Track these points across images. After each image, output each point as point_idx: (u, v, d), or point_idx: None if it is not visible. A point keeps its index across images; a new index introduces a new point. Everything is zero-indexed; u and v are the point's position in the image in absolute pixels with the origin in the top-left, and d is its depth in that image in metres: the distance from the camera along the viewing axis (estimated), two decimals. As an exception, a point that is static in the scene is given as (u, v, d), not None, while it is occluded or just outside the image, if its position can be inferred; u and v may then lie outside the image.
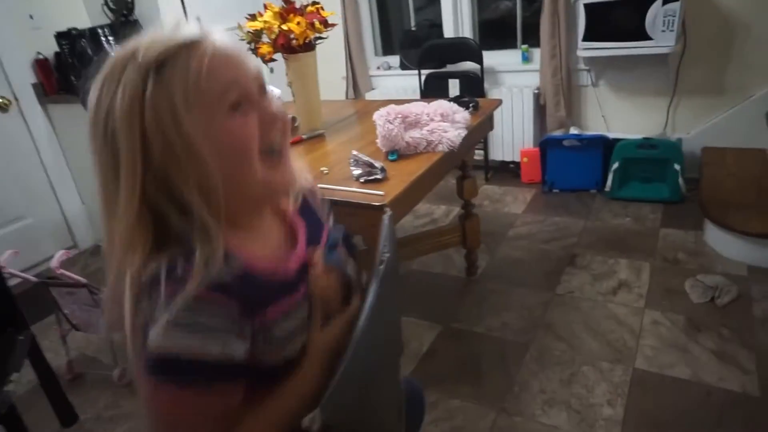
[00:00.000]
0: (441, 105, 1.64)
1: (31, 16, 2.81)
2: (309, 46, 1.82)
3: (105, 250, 0.61)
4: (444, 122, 1.58)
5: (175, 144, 0.57)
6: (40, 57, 2.88)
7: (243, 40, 1.85)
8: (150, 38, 0.59)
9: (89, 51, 2.82)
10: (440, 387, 1.76)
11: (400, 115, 1.52)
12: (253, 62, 0.65)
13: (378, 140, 1.59)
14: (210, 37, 0.61)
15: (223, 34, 0.62)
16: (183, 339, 0.55)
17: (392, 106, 1.60)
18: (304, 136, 1.95)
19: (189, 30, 0.60)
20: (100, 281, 1.32)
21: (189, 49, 0.58)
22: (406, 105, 1.63)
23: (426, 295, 2.30)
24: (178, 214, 0.59)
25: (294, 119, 2.09)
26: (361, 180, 1.45)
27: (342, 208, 1.37)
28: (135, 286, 0.57)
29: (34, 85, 2.89)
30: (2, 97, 2.78)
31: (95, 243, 3.20)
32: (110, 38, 2.86)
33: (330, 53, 3.55)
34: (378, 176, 1.44)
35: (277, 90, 2.27)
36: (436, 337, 2.02)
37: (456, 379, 1.80)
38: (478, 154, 3.18)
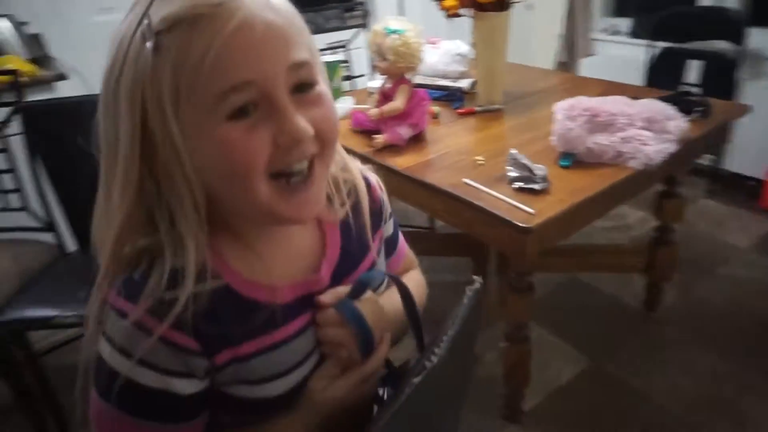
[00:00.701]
0: (650, 106, 1.22)
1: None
2: (502, 5, 1.51)
3: (95, 239, 0.50)
4: (648, 130, 1.17)
5: (159, 137, 0.44)
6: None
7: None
8: None
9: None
10: (561, 439, 1.47)
11: (587, 113, 1.17)
12: (305, 43, 0.46)
13: (553, 137, 1.27)
14: (243, 6, 0.42)
15: (266, 2, 0.44)
16: (125, 364, 0.47)
17: (581, 98, 1.24)
18: (477, 108, 1.68)
19: None
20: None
21: (200, 19, 0.41)
22: (601, 99, 1.25)
23: (583, 317, 1.93)
24: (162, 213, 0.48)
25: (473, 84, 1.84)
26: (515, 186, 1.16)
27: (481, 215, 1.12)
28: (106, 285, 0.49)
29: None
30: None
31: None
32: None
33: (550, 3, 3.10)
34: (536, 186, 1.14)
35: (464, 46, 2.01)
36: (579, 372, 1.68)
37: (584, 438, 1.48)
38: (706, 157, 2.53)
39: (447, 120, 1.65)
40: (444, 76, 1.97)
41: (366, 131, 1.51)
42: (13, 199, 1.71)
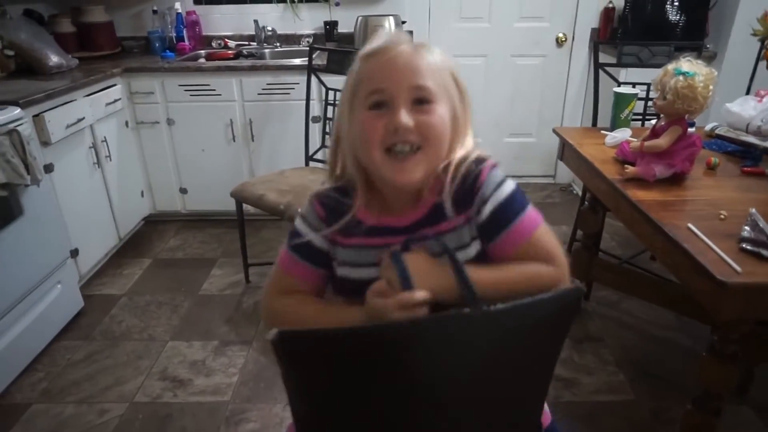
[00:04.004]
0: None
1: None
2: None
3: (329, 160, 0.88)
4: None
5: (341, 120, 0.80)
6: (610, 5, 3.10)
7: (754, 35, 1.54)
8: (373, 38, 0.77)
9: (649, 6, 2.88)
10: None
11: None
12: (434, 78, 0.73)
13: (823, 214, 1.14)
14: (392, 49, 0.74)
15: (408, 49, 0.74)
16: (297, 220, 0.85)
17: None
18: (768, 172, 1.54)
19: (384, 40, 0.75)
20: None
21: (371, 56, 0.75)
22: None
23: None
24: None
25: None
26: (742, 246, 1.12)
27: (687, 260, 1.13)
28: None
29: (592, 30, 3.18)
30: (563, 33, 3.25)
31: (570, 181, 3.52)
32: None
33: None
34: (766, 252, 1.07)
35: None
36: None
37: None
38: None
39: (725, 174, 1.57)
40: (756, 133, 1.82)
41: (626, 162, 1.59)
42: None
